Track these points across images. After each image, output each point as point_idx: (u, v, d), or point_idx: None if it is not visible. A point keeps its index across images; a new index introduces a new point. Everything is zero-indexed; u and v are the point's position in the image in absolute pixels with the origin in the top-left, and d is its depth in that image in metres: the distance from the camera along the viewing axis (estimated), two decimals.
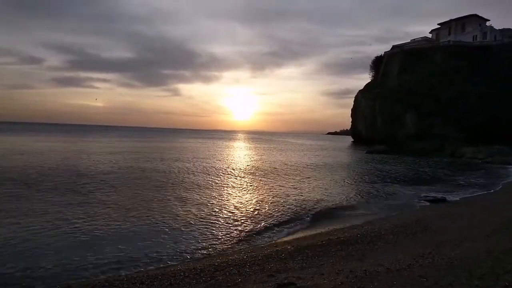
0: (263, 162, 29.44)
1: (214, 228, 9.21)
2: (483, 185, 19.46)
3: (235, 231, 9.06)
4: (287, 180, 18.74)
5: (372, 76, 76.67)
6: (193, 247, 7.71)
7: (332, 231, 9.18)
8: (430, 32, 71.29)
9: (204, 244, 7.95)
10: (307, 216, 11.03)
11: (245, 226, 9.57)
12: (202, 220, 9.96)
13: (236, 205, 12.23)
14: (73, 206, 10.90)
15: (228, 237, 8.57)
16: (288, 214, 11.06)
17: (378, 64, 72.97)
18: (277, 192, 14.91)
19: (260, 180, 18.69)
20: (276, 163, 28.63)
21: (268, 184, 17.19)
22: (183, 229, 9.00)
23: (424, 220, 9.73)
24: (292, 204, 12.43)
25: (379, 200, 14.39)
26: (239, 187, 16.10)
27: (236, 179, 18.83)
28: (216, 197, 13.42)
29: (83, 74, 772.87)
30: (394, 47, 70.40)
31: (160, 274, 5.80)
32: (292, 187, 16.58)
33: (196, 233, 8.74)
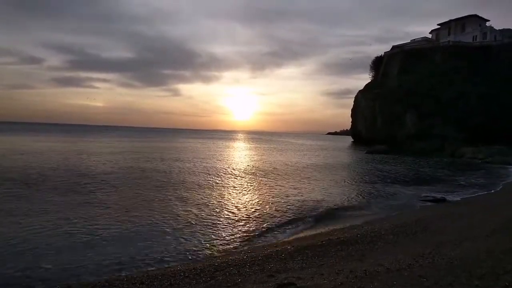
0: (263, 162, 29.44)
1: (214, 228, 9.21)
2: (483, 185, 19.45)
3: (235, 231, 9.06)
4: (287, 180, 18.74)
5: (372, 76, 76.69)
6: (193, 247, 7.71)
7: (332, 231, 9.18)
8: (430, 32, 71.34)
9: (204, 244, 7.94)
10: (307, 216, 11.02)
11: (245, 226, 9.57)
12: (202, 220, 9.96)
13: (236, 205, 12.24)
14: (73, 206, 10.90)
15: (228, 237, 8.57)
16: (288, 214, 11.05)
17: (378, 64, 72.99)
18: (277, 192, 14.91)
19: (260, 180, 18.69)
20: (276, 163, 28.63)
21: (268, 184, 17.19)
22: (183, 229, 9.00)
23: (424, 220, 9.73)
24: (292, 204, 12.43)
25: (379, 200, 14.38)
26: (239, 187, 16.10)
27: (236, 179, 18.83)
28: (216, 197, 13.42)
29: (83, 74, 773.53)
30: (394, 47, 70.40)
31: (160, 274, 5.80)
32: (292, 187, 16.58)
33: (196, 233, 8.73)
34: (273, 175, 20.93)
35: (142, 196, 12.96)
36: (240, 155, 38.48)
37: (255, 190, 15.60)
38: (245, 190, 15.38)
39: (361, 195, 15.21)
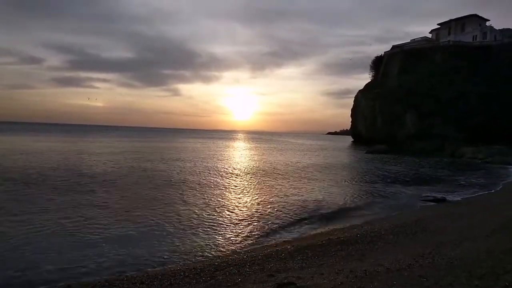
0: (263, 161, 29.44)
1: (214, 228, 9.21)
2: (483, 185, 19.45)
3: (235, 231, 9.05)
4: (287, 180, 18.74)
5: (372, 76, 76.67)
6: (193, 247, 7.70)
7: (332, 231, 9.19)
8: (430, 32, 71.32)
9: (204, 244, 7.94)
10: (307, 216, 11.01)
11: (245, 226, 9.57)
12: (202, 220, 9.96)
13: (236, 205, 12.24)
14: (73, 206, 10.90)
15: (228, 237, 8.57)
16: (288, 214, 11.05)
17: (378, 64, 72.97)
18: (277, 192, 14.91)
19: (260, 180, 18.68)
20: (276, 163, 28.63)
21: (268, 184, 17.19)
22: (183, 229, 9.00)
23: (424, 220, 9.73)
24: (292, 204, 12.43)
25: (379, 200, 14.38)
26: (239, 187, 16.10)
27: (236, 179, 18.82)
28: (216, 197, 13.42)
29: (83, 74, 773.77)
30: (394, 47, 70.40)
31: (160, 274, 5.81)
32: (292, 187, 16.58)
33: (196, 233, 8.73)
34: (273, 174, 20.93)
35: (142, 196, 12.96)
36: (240, 154, 38.47)
37: (255, 190, 15.59)
38: (245, 190, 15.38)
39: (361, 195, 15.21)
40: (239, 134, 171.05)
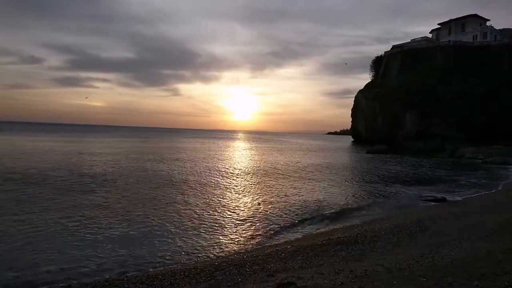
0: (263, 162, 29.45)
1: (214, 228, 9.22)
2: (483, 185, 19.45)
3: (235, 231, 9.06)
4: (287, 180, 18.75)
5: (372, 76, 76.77)
6: (193, 247, 7.72)
7: (332, 231, 9.19)
8: (430, 32, 71.36)
9: (204, 244, 7.95)
10: (308, 216, 11.02)
11: (245, 226, 9.57)
12: (202, 220, 9.97)
13: (237, 205, 12.25)
14: (74, 206, 10.92)
15: (229, 237, 8.58)
16: (289, 214, 11.06)
17: (379, 64, 73.05)
18: (277, 192, 14.92)
19: (261, 180, 18.69)
20: (276, 163, 28.64)
21: (268, 184, 17.20)
22: (183, 229, 9.01)
23: (424, 220, 9.73)
24: (292, 204, 12.44)
25: (379, 200, 14.39)
26: (239, 187, 16.11)
27: (237, 179, 18.83)
28: (216, 197, 13.43)
29: (83, 74, 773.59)
30: (394, 47, 70.43)
31: (160, 274, 5.81)
32: (292, 187, 16.59)
33: (197, 233, 8.74)
34: (273, 174, 20.94)
35: (142, 196, 12.97)
36: (240, 154, 38.48)
37: (256, 190, 15.60)
38: (245, 190, 15.39)
39: (361, 195, 15.22)
40: (239, 134, 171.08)
